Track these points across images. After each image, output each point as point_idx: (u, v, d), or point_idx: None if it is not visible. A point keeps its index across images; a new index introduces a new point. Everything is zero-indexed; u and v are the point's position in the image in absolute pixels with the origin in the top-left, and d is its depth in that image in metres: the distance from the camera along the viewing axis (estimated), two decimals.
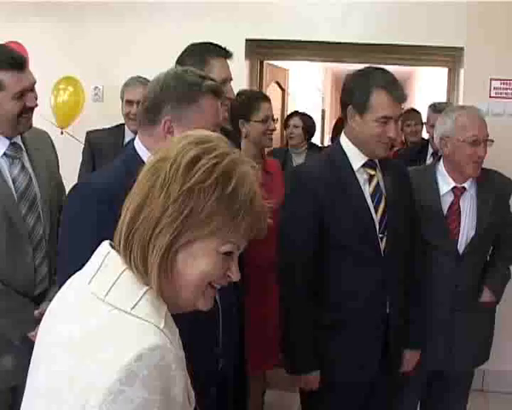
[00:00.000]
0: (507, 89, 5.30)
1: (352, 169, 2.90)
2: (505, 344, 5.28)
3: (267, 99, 4.15)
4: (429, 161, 5.06)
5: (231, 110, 3.93)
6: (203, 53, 3.02)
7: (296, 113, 6.49)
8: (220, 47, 3.06)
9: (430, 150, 5.27)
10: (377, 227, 2.88)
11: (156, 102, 2.10)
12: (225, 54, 3.03)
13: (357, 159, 2.91)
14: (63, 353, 1.26)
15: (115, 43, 5.52)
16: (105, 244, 1.38)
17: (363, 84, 2.87)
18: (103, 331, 1.23)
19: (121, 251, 1.34)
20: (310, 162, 3.20)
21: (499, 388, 5.32)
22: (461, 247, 3.36)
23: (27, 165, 2.89)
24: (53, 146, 3.16)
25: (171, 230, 1.30)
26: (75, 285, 1.38)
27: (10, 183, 2.81)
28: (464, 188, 3.39)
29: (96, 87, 5.66)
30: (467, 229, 3.37)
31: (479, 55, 5.27)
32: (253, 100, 4.04)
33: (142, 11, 5.54)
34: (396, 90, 2.84)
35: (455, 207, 3.38)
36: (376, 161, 2.95)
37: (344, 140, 2.96)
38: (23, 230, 2.79)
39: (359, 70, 2.95)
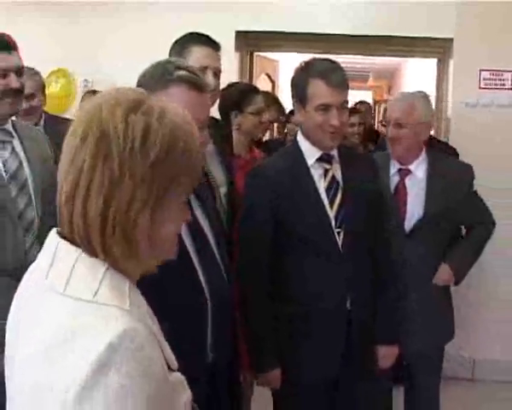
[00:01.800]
0: (496, 80, 5.32)
1: (307, 165, 2.87)
2: (494, 334, 5.35)
3: (259, 91, 4.17)
4: None
5: (222, 101, 3.96)
6: (186, 41, 3.05)
7: None
8: (204, 35, 3.07)
9: None
10: (333, 222, 2.83)
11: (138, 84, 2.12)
12: (207, 42, 3.04)
13: (311, 154, 2.88)
14: (34, 356, 1.23)
15: (106, 36, 5.52)
16: (53, 234, 1.33)
17: (301, 76, 2.86)
18: (69, 326, 1.19)
19: (86, 241, 1.27)
20: (268, 160, 3.19)
21: (488, 377, 5.35)
22: (408, 226, 3.44)
23: (18, 149, 2.90)
24: (49, 145, 3.15)
25: (148, 208, 1.27)
26: (33, 281, 1.34)
27: (1, 165, 2.83)
28: (409, 170, 3.50)
29: (86, 79, 5.65)
30: (414, 210, 3.43)
31: (468, 46, 5.29)
32: (246, 92, 4.05)
33: (132, 4, 5.53)
34: (332, 76, 2.79)
35: (400, 188, 3.50)
36: (335, 154, 2.92)
37: (300, 136, 2.95)
38: (13, 211, 2.79)
39: (302, 63, 2.92)
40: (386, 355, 3.10)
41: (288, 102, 6.14)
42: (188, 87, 2.08)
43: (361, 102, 6.39)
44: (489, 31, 5.23)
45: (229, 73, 4.96)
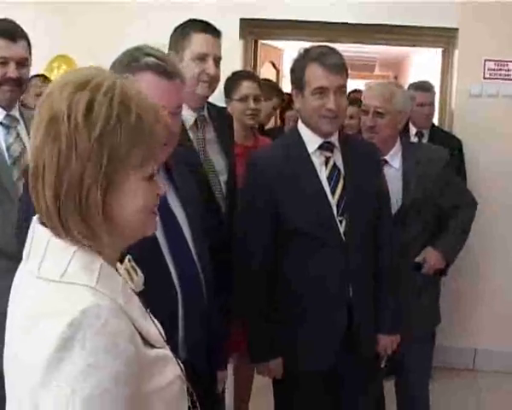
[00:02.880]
0: (501, 70, 5.29)
1: (307, 152, 2.86)
2: (495, 324, 5.35)
3: (250, 78, 4.13)
4: (414, 139, 5.05)
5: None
6: (186, 28, 3.05)
7: None
8: (204, 22, 3.06)
9: (413, 129, 5.24)
10: (335, 210, 2.83)
11: None
12: (207, 29, 3.03)
13: (312, 142, 2.87)
14: (11, 335, 1.29)
15: (110, 22, 5.49)
16: (34, 219, 1.35)
17: (299, 62, 2.86)
18: (38, 307, 1.23)
19: (51, 222, 1.29)
20: (267, 149, 3.17)
21: (489, 367, 5.35)
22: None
23: (23, 135, 2.96)
24: None
25: (98, 185, 1.26)
26: (20, 267, 1.38)
27: (4, 149, 2.89)
28: (385, 160, 3.48)
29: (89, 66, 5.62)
30: (392, 200, 3.36)
31: (473, 36, 5.26)
32: (234, 78, 4.05)
33: None
34: (327, 59, 2.79)
35: None
36: (336, 141, 2.91)
37: (300, 124, 2.94)
38: (14, 195, 2.82)
39: (300, 49, 2.91)
40: (387, 344, 3.10)
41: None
42: (155, 74, 2.06)
43: (357, 91, 6.25)
44: (494, 21, 5.20)
45: (234, 61, 4.98)
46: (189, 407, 1.49)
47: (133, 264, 1.42)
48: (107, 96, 1.27)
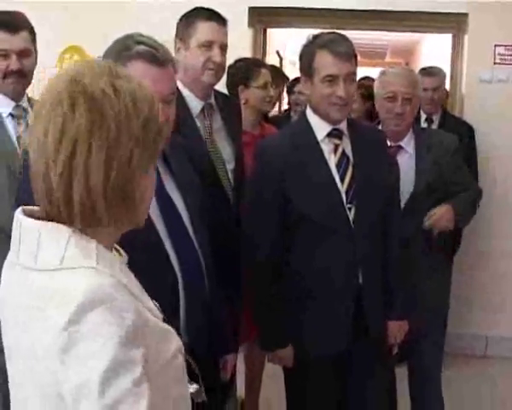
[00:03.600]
0: (511, 55, 5.26)
1: (316, 140, 2.86)
2: (507, 311, 5.34)
3: (266, 65, 4.18)
4: (424, 125, 5.03)
5: (230, 77, 3.96)
6: (191, 16, 3.05)
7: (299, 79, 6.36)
8: (210, 10, 3.07)
9: (423, 115, 5.22)
10: (344, 197, 2.82)
11: None
12: (213, 17, 3.03)
13: (321, 129, 2.86)
14: (15, 330, 1.30)
15: (121, 12, 5.50)
16: (17, 213, 1.34)
17: (308, 48, 2.85)
18: (43, 298, 1.23)
19: (81, 212, 1.27)
20: (275, 138, 3.15)
21: (501, 353, 5.35)
22: (402, 203, 3.37)
23: None
24: None
25: (143, 169, 1.31)
26: (10, 264, 1.36)
27: (15, 140, 2.91)
28: (401, 146, 3.48)
29: (100, 56, 5.63)
30: (406, 186, 3.39)
31: (483, 21, 5.24)
32: (252, 66, 4.05)
33: None
34: (338, 47, 2.78)
35: (392, 166, 3.40)
36: (344, 129, 2.90)
37: (308, 111, 2.92)
38: None
39: (309, 36, 2.90)
40: (396, 331, 3.10)
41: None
42: (147, 62, 2.05)
43: (367, 78, 6.24)
44: (504, 6, 5.16)
45: (242, 50, 4.97)
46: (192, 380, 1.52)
47: (116, 246, 1.42)
48: (141, 87, 1.33)
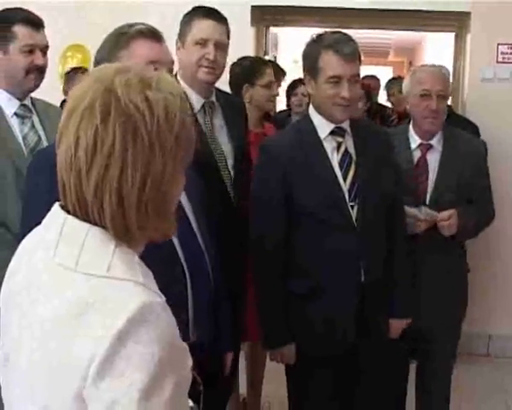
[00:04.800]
0: None
1: (319, 138, 2.86)
2: (510, 309, 5.34)
3: (269, 65, 4.17)
4: None
5: (233, 74, 3.96)
6: (190, 14, 3.07)
7: (301, 81, 6.33)
8: (207, 8, 3.07)
9: None
10: (347, 196, 2.83)
11: (95, 61, 2.20)
12: (209, 14, 3.03)
13: (324, 127, 2.87)
14: (44, 333, 1.24)
15: (123, 10, 5.50)
16: (57, 210, 1.32)
17: (312, 48, 2.85)
18: (85, 301, 1.20)
19: (92, 213, 1.26)
20: (279, 135, 3.15)
21: (504, 352, 5.36)
22: (426, 200, 3.39)
23: (37, 125, 3.01)
24: None
25: (176, 180, 1.31)
26: (38, 257, 1.32)
27: (20, 139, 2.93)
28: (431, 145, 3.45)
29: None
30: (434, 185, 3.39)
31: (485, 20, 5.24)
32: (257, 65, 4.06)
33: None
34: (343, 48, 2.77)
35: (421, 163, 3.43)
36: (347, 127, 2.91)
37: (311, 110, 2.93)
38: None
39: (313, 35, 2.91)
40: (398, 329, 3.11)
41: (286, 77, 6.11)
42: (148, 38, 2.17)
43: (371, 77, 6.24)
44: (506, 4, 5.16)
45: (245, 48, 4.97)
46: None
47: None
48: (173, 96, 1.30)
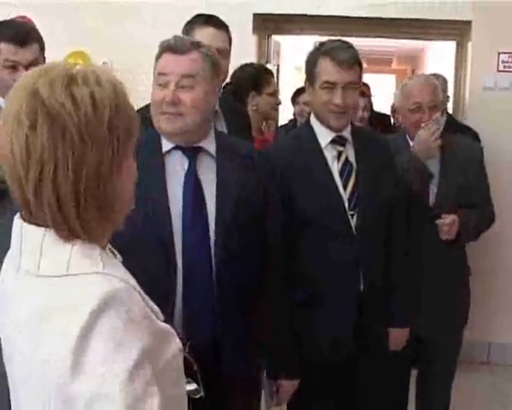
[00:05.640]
0: None
1: (320, 146, 2.88)
2: (509, 317, 5.33)
3: (273, 73, 4.22)
4: None
5: (237, 80, 3.96)
6: (191, 23, 3.10)
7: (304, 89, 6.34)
8: (208, 16, 3.10)
9: None
10: (346, 204, 2.83)
11: None
12: (209, 21, 3.07)
13: (324, 135, 2.88)
14: (21, 338, 1.28)
15: (125, 17, 5.53)
16: (16, 220, 1.34)
17: (312, 55, 2.89)
18: (49, 305, 1.23)
19: (57, 222, 1.27)
20: (279, 143, 3.15)
21: (503, 360, 5.36)
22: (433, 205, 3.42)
23: None
24: None
25: (113, 172, 1.30)
26: (9, 270, 1.36)
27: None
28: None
29: (106, 62, 5.66)
30: (437, 191, 3.42)
31: (486, 29, 5.24)
32: (263, 73, 4.09)
33: None
34: (339, 54, 2.79)
35: (422, 168, 3.41)
36: (348, 136, 2.92)
37: (312, 117, 2.95)
38: None
39: (316, 42, 2.95)
40: (397, 338, 3.10)
41: (289, 85, 6.13)
42: (167, 52, 2.28)
43: (364, 85, 6.23)
44: (507, 13, 5.16)
45: (247, 56, 4.99)
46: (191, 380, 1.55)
47: (110, 247, 1.42)
48: (101, 87, 1.29)
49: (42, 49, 2.97)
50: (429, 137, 3.34)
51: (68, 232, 1.27)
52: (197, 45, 2.30)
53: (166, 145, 2.31)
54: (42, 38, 2.98)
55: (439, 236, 3.36)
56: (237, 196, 2.32)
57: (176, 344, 1.38)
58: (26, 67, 2.85)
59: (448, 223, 3.33)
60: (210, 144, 2.36)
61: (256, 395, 2.61)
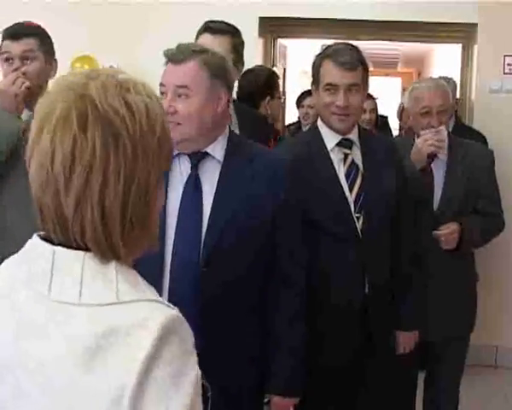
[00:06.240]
0: None
1: (326, 149, 2.88)
2: None
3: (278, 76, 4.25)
4: None
5: (249, 83, 3.96)
6: (198, 30, 3.17)
7: (309, 92, 6.30)
8: (209, 22, 3.15)
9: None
10: (352, 207, 2.83)
11: None
12: (208, 27, 3.12)
13: (330, 138, 2.88)
14: (47, 376, 1.13)
15: (132, 21, 5.54)
16: (40, 242, 1.21)
17: (317, 58, 2.90)
18: (101, 333, 1.11)
19: (95, 243, 1.16)
20: (286, 145, 3.14)
21: (511, 364, 5.34)
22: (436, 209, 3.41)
23: None
24: None
25: (158, 188, 1.23)
26: (25, 297, 1.19)
27: None
28: (435, 155, 3.44)
29: (112, 66, 5.67)
30: (441, 195, 3.41)
31: (492, 32, 5.26)
32: (274, 76, 4.10)
33: None
34: (340, 57, 2.80)
35: (426, 174, 3.43)
36: (355, 138, 2.91)
37: (319, 121, 2.95)
38: None
39: (323, 46, 2.96)
40: (405, 341, 3.09)
41: (295, 88, 6.14)
42: (167, 62, 2.31)
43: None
44: None
45: (253, 60, 5.00)
46: None
47: None
48: (151, 99, 1.22)
49: (42, 44, 3.02)
50: (421, 145, 3.35)
51: (109, 253, 1.17)
52: (198, 53, 2.29)
53: (175, 150, 2.32)
54: (45, 37, 3.05)
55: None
56: (238, 204, 2.31)
57: (197, 366, 1.31)
58: (20, 59, 2.97)
59: (445, 233, 3.34)
60: (218, 150, 2.34)
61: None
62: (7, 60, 2.98)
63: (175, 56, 2.28)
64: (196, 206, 2.29)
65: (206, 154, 2.34)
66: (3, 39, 3.00)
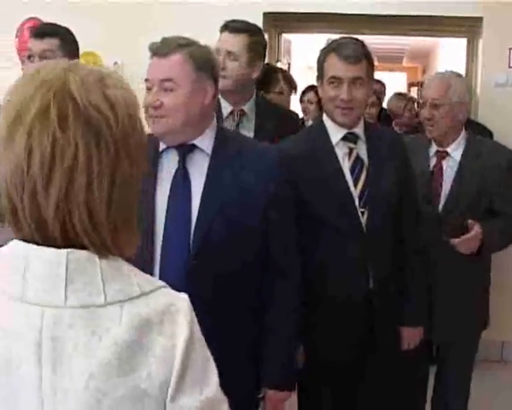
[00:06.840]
0: None
1: (331, 143, 2.87)
2: None
3: (280, 71, 4.27)
4: None
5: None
6: (220, 30, 3.24)
7: (311, 88, 6.22)
8: (228, 21, 3.22)
9: None
10: (357, 202, 2.83)
11: None
12: (225, 26, 3.20)
13: (335, 132, 2.88)
14: (89, 387, 1.08)
15: (136, 18, 5.54)
16: (54, 251, 1.12)
17: (322, 52, 2.90)
18: (138, 327, 1.11)
19: (97, 239, 1.13)
20: (290, 140, 3.14)
21: None
22: (441, 210, 3.40)
23: None
24: None
25: (139, 183, 1.20)
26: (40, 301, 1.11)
27: None
28: (446, 152, 3.44)
29: (116, 63, 5.67)
30: (449, 193, 3.39)
31: (498, 25, 5.24)
32: (271, 72, 4.11)
33: None
34: (344, 50, 2.80)
35: (436, 171, 3.43)
36: (360, 132, 2.90)
37: (325, 115, 2.95)
38: None
39: (328, 40, 2.98)
40: (409, 337, 3.08)
41: (300, 83, 6.12)
42: (152, 55, 2.30)
43: (376, 81, 6.24)
44: None
45: None
46: None
47: None
48: (128, 92, 1.17)
49: (63, 44, 3.16)
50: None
51: (104, 251, 1.14)
52: (183, 46, 2.27)
53: (163, 144, 2.35)
54: (68, 38, 3.22)
55: (446, 239, 3.30)
56: (227, 196, 2.29)
57: None
58: (41, 57, 3.10)
59: (469, 237, 3.27)
60: (206, 142, 2.34)
61: None
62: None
63: (160, 50, 2.26)
64: (185, 198, 2.29)
65: (194, 146, 2.33)
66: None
